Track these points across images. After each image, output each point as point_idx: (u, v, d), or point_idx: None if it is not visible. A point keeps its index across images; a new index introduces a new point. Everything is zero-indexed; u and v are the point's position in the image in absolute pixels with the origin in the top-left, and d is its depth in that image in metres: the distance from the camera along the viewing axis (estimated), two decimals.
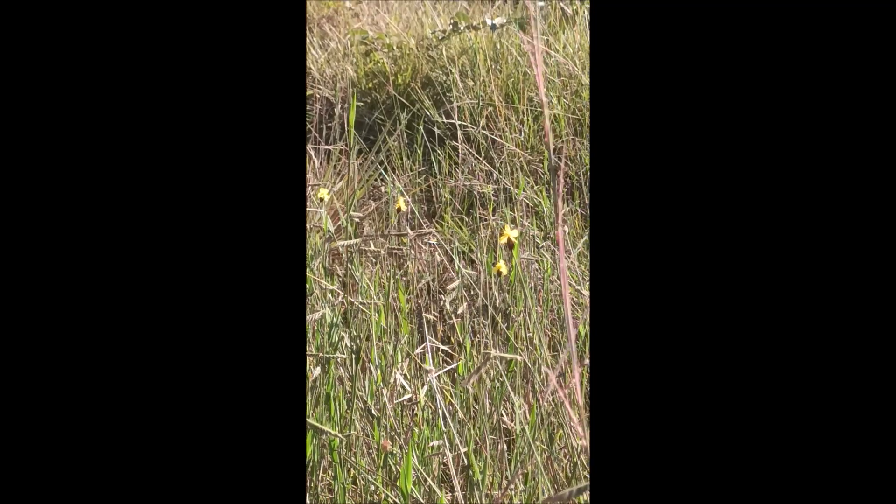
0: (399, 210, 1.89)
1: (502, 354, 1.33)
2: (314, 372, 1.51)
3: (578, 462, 1.49)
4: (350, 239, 1.88)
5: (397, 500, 1.49)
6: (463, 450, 1.52)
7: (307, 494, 1.53)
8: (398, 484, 1.47)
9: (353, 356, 1.58)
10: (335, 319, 1.63)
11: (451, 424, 1.51)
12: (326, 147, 2.95)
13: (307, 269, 1.89)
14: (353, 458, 1.56)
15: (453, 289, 1.80)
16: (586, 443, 1.17)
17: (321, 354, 1.52)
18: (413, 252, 2.30)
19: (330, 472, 1.57)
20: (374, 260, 2.28)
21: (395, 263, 2.37)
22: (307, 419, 1.36)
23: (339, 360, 1.59)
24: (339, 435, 1.33)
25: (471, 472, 1.46)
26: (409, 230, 1.99)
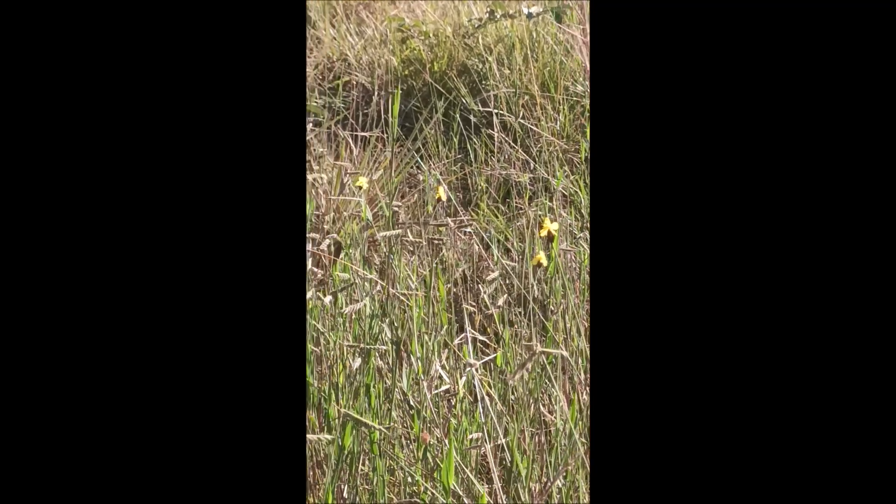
0: (439, 200, 1.87)
1: (547, 350, 1.32)
2: (354, 363, 1.51)
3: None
4: (388, 227, 1.87)
5: (436, 493, 1.48)
6: (501, 441, 1.51)
7: (345, 487, 1.53)
8: (439, 477, 1.46)
9: (394, 347, 1.57)
10: (375, 310, 1.63)
11: (493, 416, 1.50)
12: (363, 134, 2.94)
13: (345, 258, 1.88)
14: (391, 451, 1.55)
15: (493, 280, 1.79)
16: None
17: (361, 345, 1.52)
18: (449, 241, 2.29)
19: (368, 464, 1.56)
20: (410, 249, 2.27)
21: (431, 252, 2.36)
22: (347, 410, 1.36)
23: (379, 351, 1.58)
24: (380, 427, 1.32)
25: (512, 465, 1.45)
26: (448, 220, 1.98)
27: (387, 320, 1.64)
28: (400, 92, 3.38)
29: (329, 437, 1.26)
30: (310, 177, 2.26)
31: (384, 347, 1.57)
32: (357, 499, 1.53)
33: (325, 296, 1.67)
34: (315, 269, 1.82)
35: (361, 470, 1.55)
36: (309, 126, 2.98)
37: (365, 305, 1.60)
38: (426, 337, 1.73)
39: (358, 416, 1.25)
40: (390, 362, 1.61)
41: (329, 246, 1.78)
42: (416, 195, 2.78)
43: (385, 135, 2.97)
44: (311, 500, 1.56)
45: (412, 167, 2.98)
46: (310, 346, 1.65)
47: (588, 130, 2.89)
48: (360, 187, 2.09)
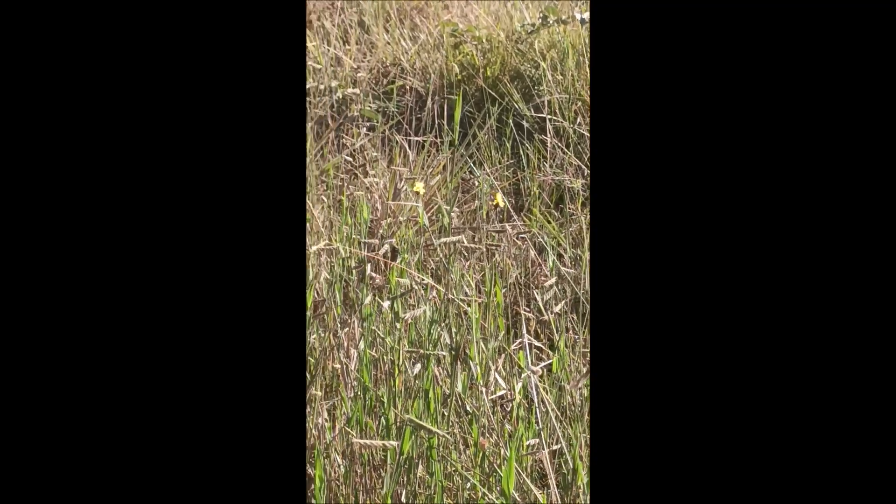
0: (496, 206, 1.88)
1: None
2: (413, 369, 1.52)
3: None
4: (445, 233, 1.88)
5: (493, 498, 1.49)
6: (557, 446, 1.51)
7: (403, 492, 1.53)
8: (496, 482, 1.46)
9: (452, 353, 1.57)
10: (434, 316, 1.63)
11: (555, 423, 1.50)
12: (416, 139, 2.95)
13: (402, 263, 1.89)
14: (449, 456, 1.56)
15: (550, 286, 1.79)
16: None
17: (420, 351, 1.53)
18: (504, 246, 2.29)
19: (426, 469, 1.57)
20: (465, 255, 2.28)
21: (487, 258, 2.36)
22: (410, 415, 1.36)
23: (437, 356, 1.59)
24: (442, 433, 1.33)
25: (574, 471, 1.45)
26: (506, 226, 1.99)
27: (445, 326, 1.65)
28: (453, 96, 3.39)
29: (393, 443, 1.26)
30: (366, 181, 2.27)
31: (443, 353, 1.57)
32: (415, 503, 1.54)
33: (383, 301, 1.68)
34: (373, 275, 1.83)
35: (420, 475, 1.56)
36: (363, 131, 2.99)
37: (424, 311, 1.60)
38: (482, 343, 1.74)
39: (420, 422, 1.25)
40: (448, 368, 1.61)
41: (387, 252, 1.79)
42: (470, 200, 2.78)
43: (439, 140, 2.98)
44: (366, 503, 1.57)
45: (465, 172, 2.98)
46: (368, 352, 1.67)
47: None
48: (417, 192, 2.10)
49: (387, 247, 1.72)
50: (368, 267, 1.71)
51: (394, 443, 1.28)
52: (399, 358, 1.72)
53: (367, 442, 1.25)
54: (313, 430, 1.69)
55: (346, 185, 2.54)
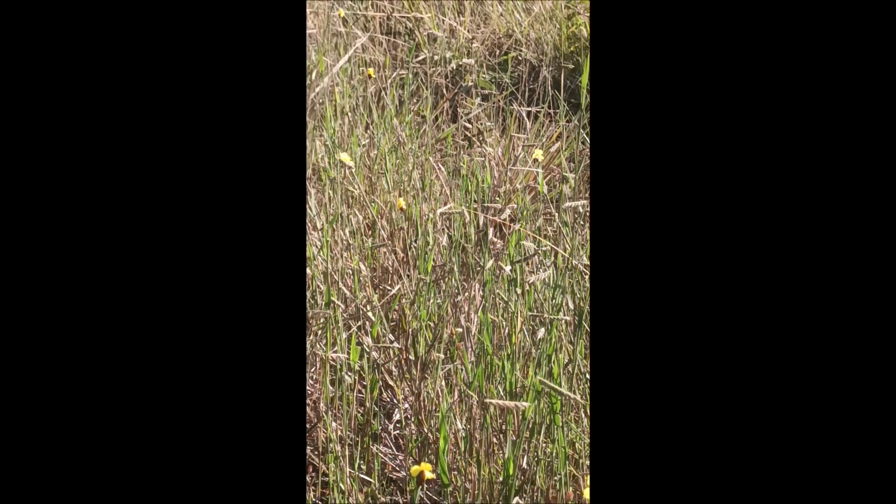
0: None
1: None
2: (539, 333, 1.49)
3: None
4: (562, 200, 1.85)
5: None
6: None
7: (525, 458, 1.51)
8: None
9: (576, 318, 1.55)
10: (558, 280, 1.61)
11: None
12: (529, 109, 2.92)
13: (522, 227, 1.86)
14: (571, 423, 1.53)
15: None
16: None
17: (545, 315, 1.50)
18: None
19: (548, 435, 1.55)
20: (582, 222, 2.24)
21: None
22: (540, 378, 1.34)
23: (560, 321, 1.56)
24: (573, 395, 1.30)
25: None
26: None
27: (568, 291, 1.62)
28: (568, 67, 3.35)
29: (525, 403, 1.24)
30: (486, 149, 2.25)
31: (566, 318, 1.55)
32: (537, 469, 1.52)
33: (505, 265, 1.66)
34: (495, 240, 1.81)
35: (542, 442, 1.54)
36: (477, 101, 2.97)
37: (549, 276, 1.58)
38: None
39: (552, 384, 1.23)
40: (572, 333, 1.58)
41: (509, 216, 1.77)
42: (586, 169, 2.74)
43: (552, 110, 2.94)
44: (486, 468, 1.56)
45: (580, 142, 2.94)
46: (489, 316, 1.65)
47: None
48: (536, 159, 2.07)
49: (509, 211, 1.70)
50: (491, 231, 1.69)
51: (526, 403, 1.26)
52: (516, 323, 1.70)
53: (501, 402, 1.23)
54: (431, 395, 1.68)
55: (461, 153, 2.53)
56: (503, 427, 1.59)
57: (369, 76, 2.71)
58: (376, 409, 1.74)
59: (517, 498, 1.35)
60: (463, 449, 1.58)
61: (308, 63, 2.75)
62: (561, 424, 1.49)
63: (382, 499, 1.64)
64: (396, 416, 1.81)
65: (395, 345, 1.71)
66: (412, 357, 1.79)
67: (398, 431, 1.80)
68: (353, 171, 2.17)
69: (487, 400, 1.23)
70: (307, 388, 1.76)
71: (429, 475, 1.22)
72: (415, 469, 1.23)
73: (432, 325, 1.77)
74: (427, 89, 2.63)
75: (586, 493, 1.24)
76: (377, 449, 1.67)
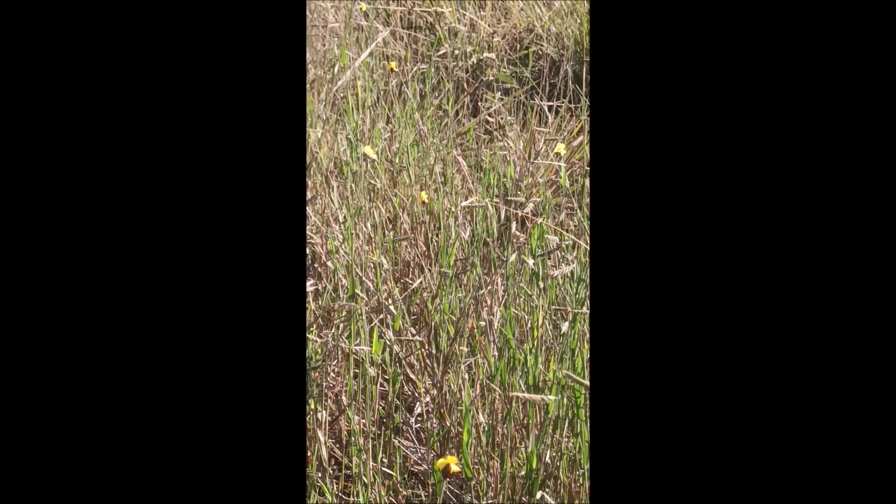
0: None
1: None
2: (563, 326, 1.49)
3: None
4: (584, 195, 1.84)
5: None
6: None
7: (548, 452, 1.51)
8: None
9: None
10: (581, 274, 1.60)
11: None
12: (550, 104, 2.91)
13: (543, 221, 1.86)
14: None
15: None
16: None
17: (569, 309, 1.50)
18: None
19: (571, 429, 1.54)
20: None
21: None
22: (565, 371, 1.34)
23: (583, 315, 1.56)
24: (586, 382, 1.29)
25: None
26: None
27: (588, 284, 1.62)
28: (589, 62, 3.34)
29: (552, 397, 1.24)
30: (503, 143, 2.25)
31: (587, 311, 1.54)
32: (560, 463, 1.51)
33: (528, 258, 1.66)
34: (517, 233, 1.80)
35: (565, 436, 1.53)
36: (498, 95, 2.97)
37: (572, 270, 1.57)
38: None
39: (576, 377, 1.22)
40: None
41: (532, 209, 1.77)
42: None
43: (573, 105, 2.93)
44: (509, 462, 1.55)
45: None
46: (512, 310, 1.64)
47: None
48: (559, 154, 2.07)
49: (532, 205, 1.69)
50: (513, 225, 1.68)
51: (552, 397, 1.25)
52: (538, 317, 1.70)
53: (528, 396, 1.23)
54: (453, 388, 1.68)
55: (481, 146, 2.52)
56: (525, 421, 1.59)
57: (392, 70, 2.70)
58: (397, 402, 1.74)
59: (541, 492, 1.35)
60: (485, 442, 1.58)
61: (331, 57, 2.75)
62: (585, 419, 1.49)
63: (404, 492, 1.64)
64: (418, 410, 1.81)
65: (418, 338, 1.71)
66: (434, 350, 1.79)
67: (419, 425, 1.79)
68: (376, 164, 2.17)
69: (513, 393, 1.23)
70: (329, 380, 1.76)
71: (455, 468, 1.22)
72: (440, 462, 1.23)
73: (454, 318, 1.77)
74: (449, 83, 2.62)
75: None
76: (399, 442, 1.67)
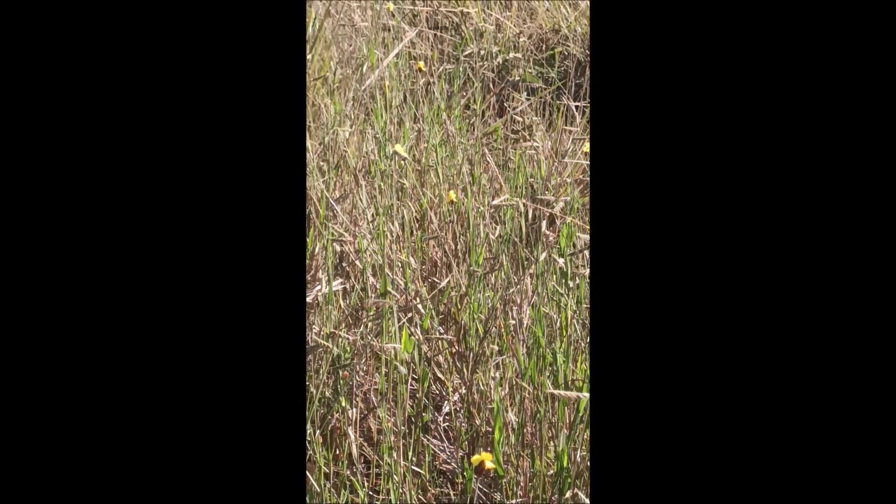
0: None
1: None
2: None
3: None
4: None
5: None
6: None
7: (578, 451, 1.51)
8: None
9: None
10: None
11: None
12: (577, 104, 2.91)
13: (572, 219, 1.86)
14: None
15: None
16: None
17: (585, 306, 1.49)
18: None
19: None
20: None
21: None
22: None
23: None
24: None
25: None
26: None
27: None
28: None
29: (586, 394, 1.24)
30: (535, 143, 2.24)
31: None
32: (588, 464, 1.51)
33: (557, 257, 1.66)
34: (547, 232, 1.80)
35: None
36: (524, 95, 2.97)
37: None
38: None
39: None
40: None
41: (562, 208, 1.76)
42: None
43: None
44: (540, 460, 1.55)
45: None
46: (541, 309, 1.64)
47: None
48: (587, 153, 2.07)
49: (562, 203, 1.69)
50: (544, 224, 1.68)
51: (586, 394, 1.25)
52: (567, 315, 1.69)
53: (561, 393, 1.23)
54: (482, 387, 1.68)
55: (509, 146, 2.52)
56: (555, 420, 1.59)
57: (420, 70, 2.71)
58: (426, 401, 1.75)
59: (573, 490, 1.35)
60: (514, 441, 1.57)
61: (358, 56, 2.75)
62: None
63: (432, 491, 1.65)
64: (446, 409, 1.81)
65: (447, 336, 1.71)
66: (463, 349, 1.79)
67: (447, 423, 1.79)
68: (405, 163, 2.17)
69: (549, 390, 1.23)
70: (358, 378, 1.77)
71: (489, 465, 1.22)
72: (475, 458, 1.23)
73: (482, 317, 1.77)
74: (476, 82, 2.63)
75: None
76: (428, 440, 1.67)
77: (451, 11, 3.47)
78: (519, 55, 2.74)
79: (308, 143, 2.29)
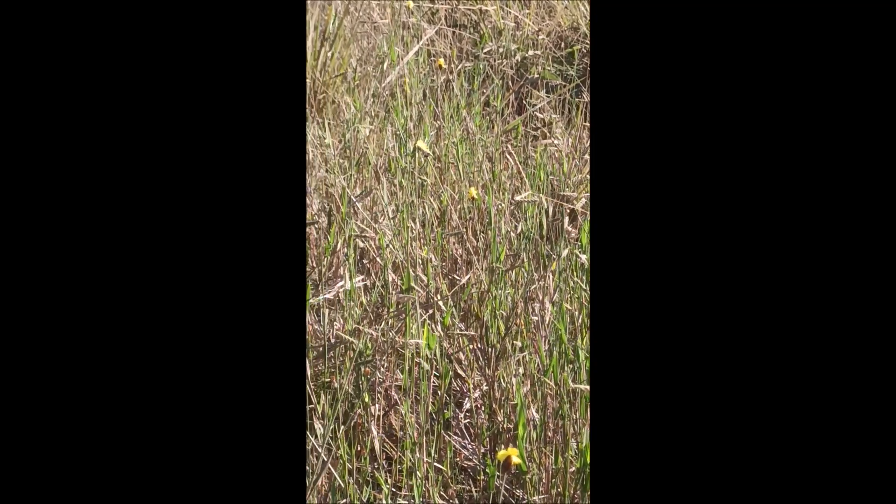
0: None
1: None
2: None
3: None
4: None
5: None
6: None
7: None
8: None
9: None
10: None
11: None
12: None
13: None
14: None
15: None
16: None
17: None
18: None
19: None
20: None
21: None
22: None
23: None
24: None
25: None
26: None
27: None
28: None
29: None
30: (556, 140, 2.24)
31: None
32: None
33: (582, 253, 1.65)
34: (570, 228, 1.80)
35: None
36: (542, 93, 2.96)
37: None
38: None
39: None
40: None
41: (584, 205, 1.76)
42: None
43: None
44: (564, 456, 1.55)
45: None
46: (564, 305, 1.64)
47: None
48: None
49: (584, 199, 1.69)
50: (566, 220, 1.68)
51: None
52: (588, 312, 1.69)
53: (583, 387, 1.22)
54: (504, 383, 1.68)
55: (528, 143, 2.52)
56: (577, 416, 1.58)
57: (440, 67, 2.71)
58: (447, 397, 1.74)
59: None
60: (535, 437, 1.57)
61: (378, 54, 2.76)
62: None
63: (454, 487, 1.64)
64: (467, 405, 1.81)
65: (469, 332, 1.71)
66: (485, 345, 1.79)
67: (468, 420, 1.79)
68: (425, 160, 2.18)
69: (575, 385, 1.22)
70: (380, 375, 1.77)
71: (516, 460, 1.22)
72: (501, 454, 1.23)
73: (504, 314, 1.77)
74: (496, 79, 2.62)
75: None
76: (450, 437, 1.67)
77: (469, 9, 3.47)
78: (538, 52, 2.74)
79: (328, 140, 2.29)
